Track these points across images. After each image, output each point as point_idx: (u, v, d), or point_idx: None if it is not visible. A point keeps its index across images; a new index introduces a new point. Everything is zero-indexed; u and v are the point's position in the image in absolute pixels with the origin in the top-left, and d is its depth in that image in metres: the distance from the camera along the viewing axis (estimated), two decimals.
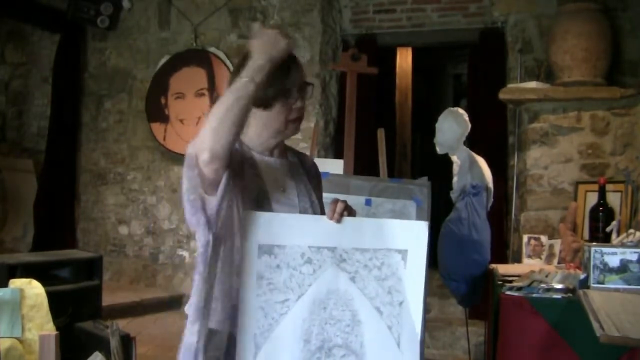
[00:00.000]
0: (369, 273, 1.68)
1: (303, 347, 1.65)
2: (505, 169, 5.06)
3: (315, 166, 2.00)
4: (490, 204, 3.77)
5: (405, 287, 1.69)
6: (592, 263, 2.70)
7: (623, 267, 2.68)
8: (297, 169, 1.90)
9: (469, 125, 3.76)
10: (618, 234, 3.43)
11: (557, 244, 3.81)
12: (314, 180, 1.95)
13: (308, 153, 3.23)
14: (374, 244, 1.69)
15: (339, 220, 1.67)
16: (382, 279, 1.69)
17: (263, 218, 1.68)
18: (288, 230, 1.66)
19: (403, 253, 1.69)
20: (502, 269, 3.49)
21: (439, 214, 4.17)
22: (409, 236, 1.70)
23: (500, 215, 4.89)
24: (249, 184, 1.74)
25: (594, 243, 3.07)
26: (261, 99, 1.74)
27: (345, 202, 1.69)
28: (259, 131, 1.83)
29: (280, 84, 1.75)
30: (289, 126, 1.81)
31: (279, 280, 1.65)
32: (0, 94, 6.82)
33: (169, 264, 6.01)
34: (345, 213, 1.68)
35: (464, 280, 3.63)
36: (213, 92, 5.71)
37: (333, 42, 5.68)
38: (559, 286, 2.81)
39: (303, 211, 1.81)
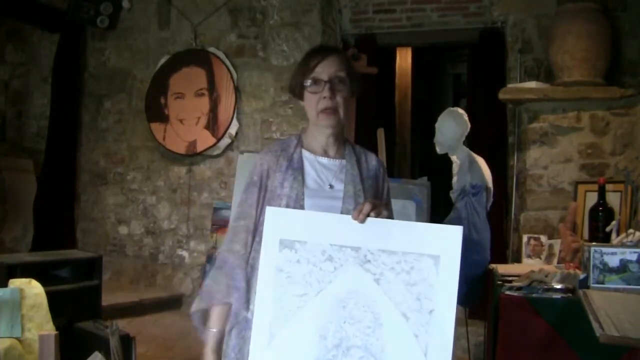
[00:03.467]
0: (397, 276, 1.66)
1: (319, 342, 1.66)
2: (505, 169, 5.06)
3: (376, 169, 2.01)
4: (490, 204, 3.77)
5: (436, 295, 1.67)
6: (591, 263, 2.70)
7: (623, 267, 2.68)
8: (352, 171, 1.92)
9: (469, 125, 3.76)
10: (618, 234, 3.43)
11: (557, 244, 3.81)
12: (369, 183, 1.94)
13: None
14: (402, 247, 1.67)
15: (362, 221, 1.67)
16: (411, 284, 1.66)
17: (285, 214, 1.72)
18: (310, 227, 1.68)
19: (435, 259, 1.68)
20: (502, 269, 3.48)
21: (439, 214, 4.18)
22: (442, 241, 1.69)
23: (500, 215, 4.88)
24: (285, 191, 1.83)
25: (594, 243, 3.06)
26: (293, 90, 1.90)
27: (373, 203, 1.70)
28: (310, 126, 1.94)
29: (308, 74, 1.85)
30: (320, 116, 1.86)
31: (298, 275, 1.66)
32: (0, 94, 6.81)
33: (169, 264, 6.00)
34: (372, 214, 1.68)
35: (463, 280, 3.60)
36: (213, 92, 5.71)
37: (333, 42, 5.67)
38: (559, 286, 2.80)
39: (345, 213, 1.79)
